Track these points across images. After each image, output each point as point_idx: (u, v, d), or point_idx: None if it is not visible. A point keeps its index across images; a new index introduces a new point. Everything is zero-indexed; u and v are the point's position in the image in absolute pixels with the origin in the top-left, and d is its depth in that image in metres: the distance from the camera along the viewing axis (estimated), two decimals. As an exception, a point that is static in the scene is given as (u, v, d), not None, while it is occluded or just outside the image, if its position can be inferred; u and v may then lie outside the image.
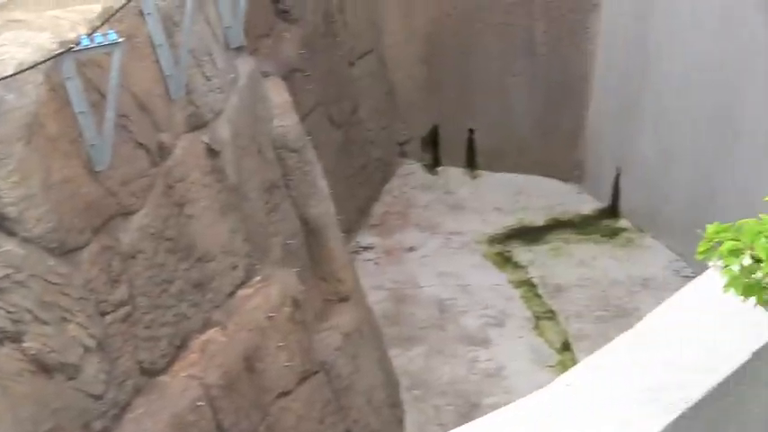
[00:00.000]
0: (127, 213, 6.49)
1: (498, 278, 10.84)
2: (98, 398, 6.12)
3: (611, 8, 11.52)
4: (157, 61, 6.90)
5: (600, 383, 3.09)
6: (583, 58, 11.83)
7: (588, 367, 3.16)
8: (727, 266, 2.81)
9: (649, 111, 11.36)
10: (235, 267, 7.35)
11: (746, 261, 2.73)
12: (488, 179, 12.31)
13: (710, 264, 2.89)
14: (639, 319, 11.30)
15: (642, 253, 10.97)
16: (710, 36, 10.46)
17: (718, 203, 10.47)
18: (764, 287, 2.75)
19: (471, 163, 12.53)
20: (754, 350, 3.16)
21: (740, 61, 10.11)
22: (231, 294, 7.31)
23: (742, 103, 10.18)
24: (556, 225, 11.48)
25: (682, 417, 2.97)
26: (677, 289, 12.13)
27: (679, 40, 10.87)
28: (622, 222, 11.69)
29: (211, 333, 7.01)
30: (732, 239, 2.79)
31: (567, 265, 10.89)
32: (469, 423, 2.98)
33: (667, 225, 11.28)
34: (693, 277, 11.30)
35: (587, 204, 11.96)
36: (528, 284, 10.81)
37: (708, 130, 10.69)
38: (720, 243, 2.86)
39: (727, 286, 2.81)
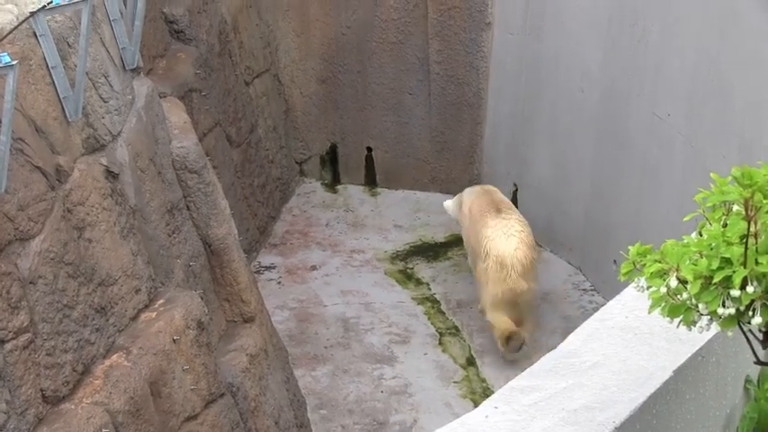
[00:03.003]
0: (25, 238, 6.36)
1: (401, 295, 10.86)
2: (-1, 429, 5.97)
3: (502, 26, 11.64)
4: (53, 83, 6.79)
5: (526, 405, 3.11)
6: (477, 75, 11.93)
7: (513, 390, 3.18)
8: (651, 288, 2.85)
9: (544, 126, 11.50)
10: (137, 291, 7.25)
11: (673, 283, 2.78)
12: (388, 197, 12.33)
13: (633, 285, 2.93)
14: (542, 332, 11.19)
15: (541, 267, 11.06)
16: (599, 51, 10.64)
17: (613, 218, 10.64)
18: (689, 308, 2.80)
19: (371, 181, 12.55)
20: (675, 368, 3.22)
21: (626, 76, 10.30)
22: (134, 318, 7.22)
23: (629, 118, 10.36)
24: (456, 241, 11.53)
25: (609, 436, 3.02)
26: (577, 302, 12.31)
27: (569, 56, 11.04)
28: (521, 237, 11.75)
29: (115, 358, 6.90)
30: (656, 261, 2.84)
31: (469, 281, 10.94)
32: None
33: (565, 239, 11.41)
34: (592, 290, 11.47)
35: (486, 220, 12.01)
36: (431, 301, 10.84)
37: (599, 144, 10.86)
38: (643, 264, 2.90)
39: (652, 307, 2.86)
